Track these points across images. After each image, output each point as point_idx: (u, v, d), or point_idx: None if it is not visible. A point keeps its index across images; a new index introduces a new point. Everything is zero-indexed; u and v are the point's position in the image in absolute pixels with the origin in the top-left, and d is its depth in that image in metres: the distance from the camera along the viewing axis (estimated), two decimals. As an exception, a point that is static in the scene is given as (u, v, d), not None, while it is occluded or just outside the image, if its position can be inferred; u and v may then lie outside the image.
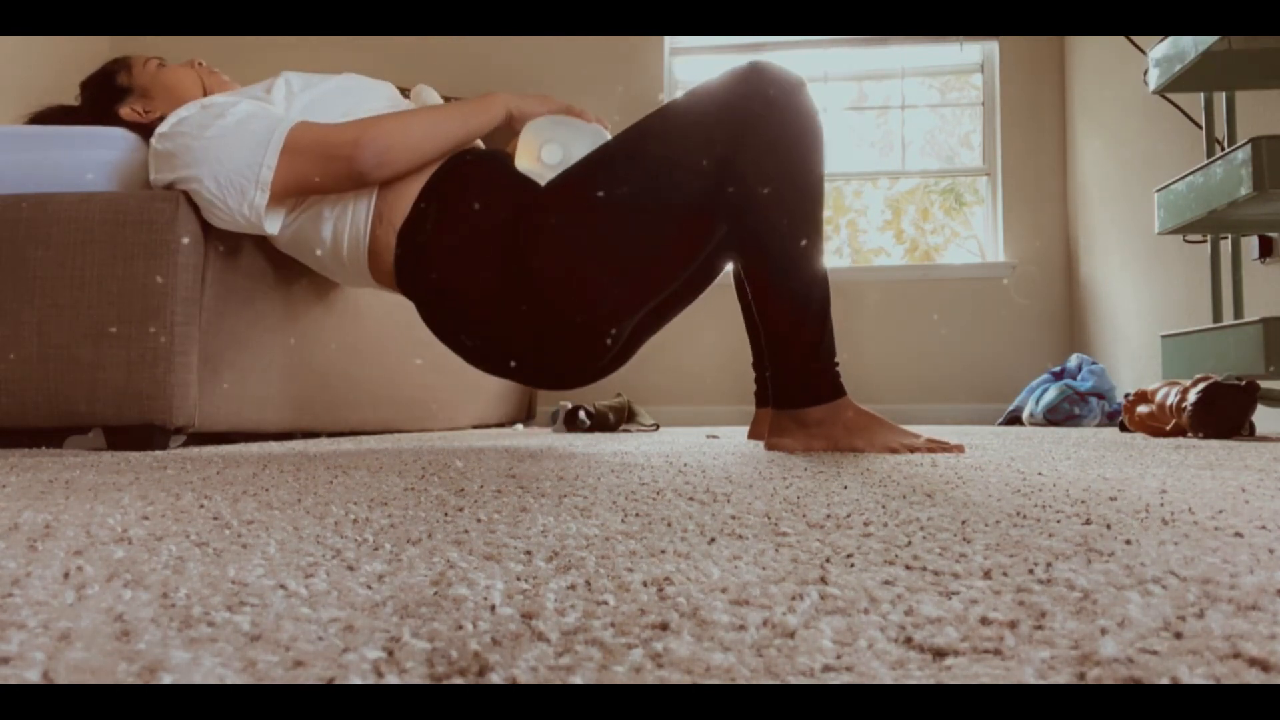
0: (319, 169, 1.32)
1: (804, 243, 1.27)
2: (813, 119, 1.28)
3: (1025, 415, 3.14)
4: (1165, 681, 0.23)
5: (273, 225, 1.39)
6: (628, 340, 1.43)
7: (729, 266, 1.48)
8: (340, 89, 1.47)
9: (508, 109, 1.43)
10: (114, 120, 1.52)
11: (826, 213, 4.24)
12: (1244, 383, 1.69)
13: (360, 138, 1.31)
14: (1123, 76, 3.23)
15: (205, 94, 1.53)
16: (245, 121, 1.32)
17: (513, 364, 1.42)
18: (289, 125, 1.32)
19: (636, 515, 0.55)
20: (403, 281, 1.39)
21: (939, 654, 0.26)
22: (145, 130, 1.51)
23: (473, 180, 1.37)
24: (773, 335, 1.29)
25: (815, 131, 1.28)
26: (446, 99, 1.63)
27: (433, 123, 1.37)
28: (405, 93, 1.64)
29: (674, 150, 1.28)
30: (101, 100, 1.54)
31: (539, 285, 1.30)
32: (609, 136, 1.43)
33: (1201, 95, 2.33)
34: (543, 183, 1.36)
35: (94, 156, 1.46)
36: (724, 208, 1.28)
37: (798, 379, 1.28)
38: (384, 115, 1.36)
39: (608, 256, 1.29)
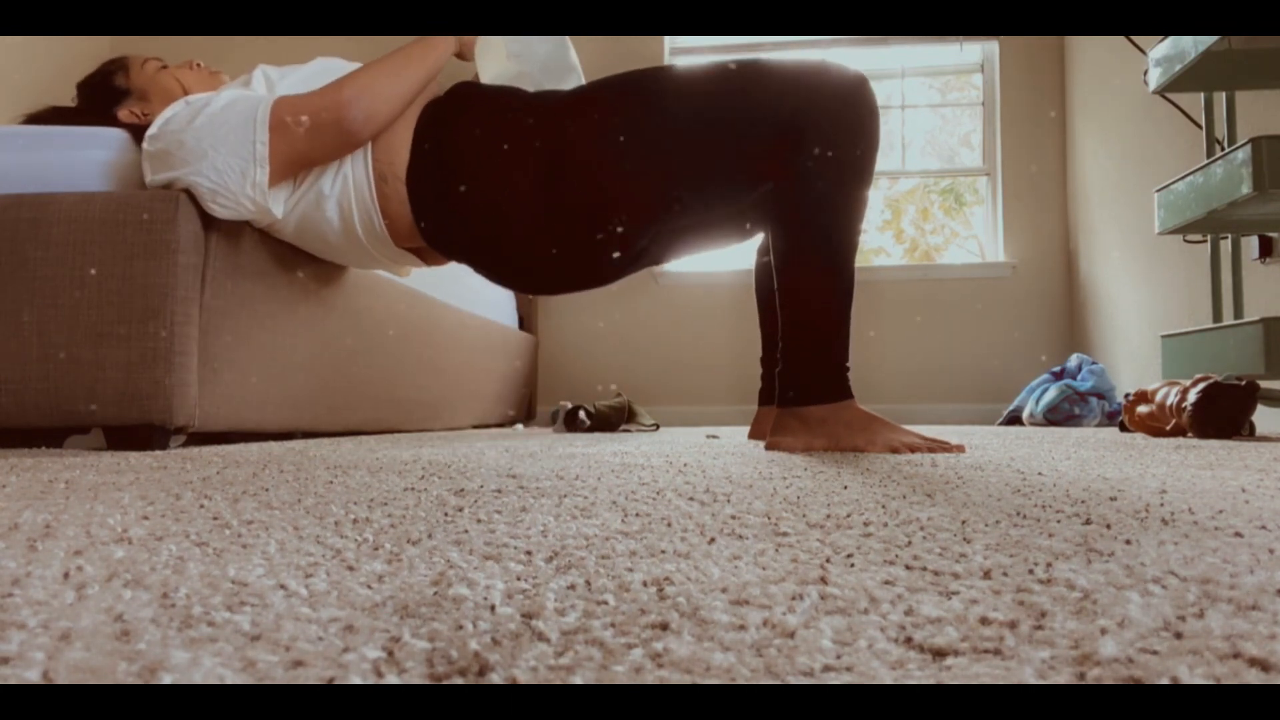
0: (309, 138, 1.34)
1: (845, 237, 1.29)
2: (878, 123, 1.32)
3: (1025, 415, 3.14)
4: (1165, 681, 0.23)
5: (277, 205, 1.39)
6: (647, 249, 1.45)
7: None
8: (317, 73, 1.49)
9: (454, 40, 1.47)
10: (111, 122, 1.52)
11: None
12: (1244, 383, 1.69)
13: (340, 96, 1.34)
14: (1123, 76, 3.23)
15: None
16: (230, 105, 1.34)
17: (536, 264, 1.43)
18: (270, 101, 1.34)
19: (636, 515, 0.55)
20: (426, 220, 1.41)
21: (939, 654, 0.26)
22: (143, 132, 1.51)
23: (467, 105, 1.41)
24: (792, 324, 1.30)
25: (878, 136, 1.32)
26: None
27: (397, 65, 1.40)
28: None
29: (749, 89, 1.31)
30: (99, 102, 1.54)
31: (569, 183, 1.32)
32: (567, 40, 1.47)
33: (1201, 95, 2.33)
34: (529, 86, 1.40)
35: (93, 156, 1.46)
36: (779, 163, 1.30)
37: (808, 373, 1.28)
38: (352, 73, 1.38)
39: (652, 155, 1.32)
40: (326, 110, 1.33)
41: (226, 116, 1.33)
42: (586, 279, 1.46)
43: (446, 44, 1.45)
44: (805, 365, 1.29)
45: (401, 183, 1.39)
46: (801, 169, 1.27)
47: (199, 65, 1.58)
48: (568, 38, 1.48)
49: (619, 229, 1.35)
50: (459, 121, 1.39)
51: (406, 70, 1.39)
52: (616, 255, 1.40)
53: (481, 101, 1.41)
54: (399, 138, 1.40)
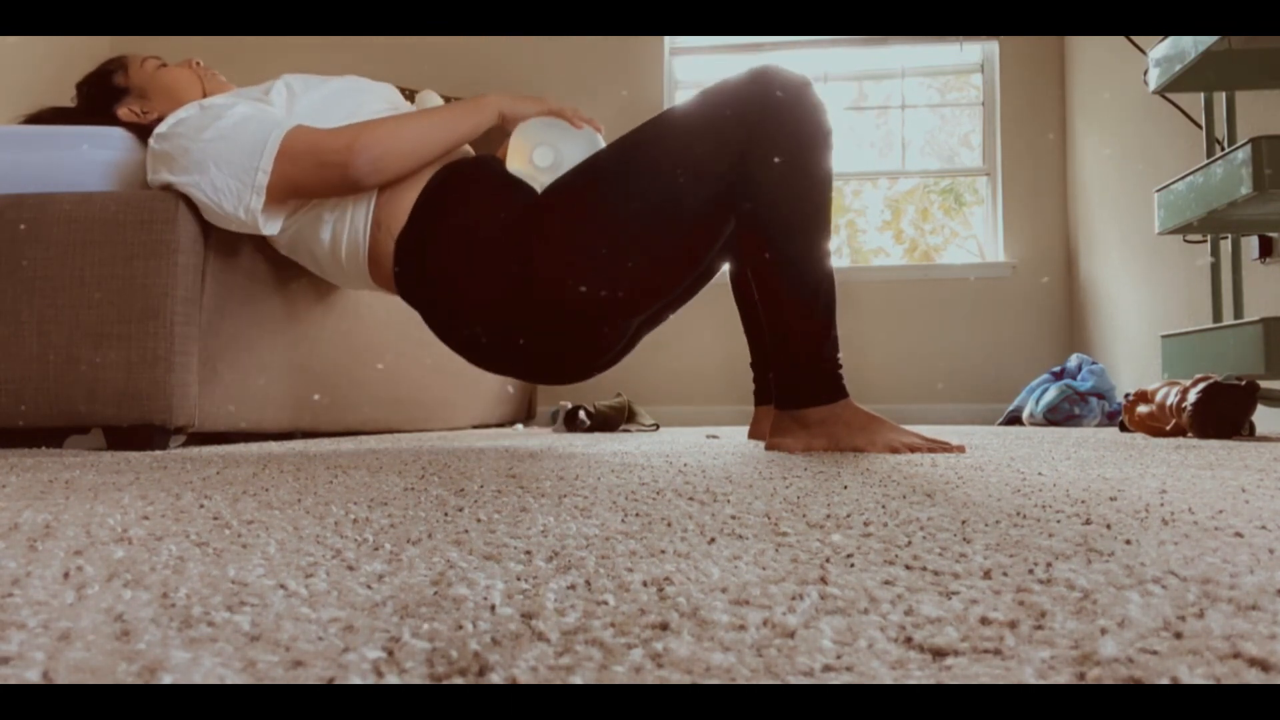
0: (313, 175, 1.32)
1: (812, 241, 1.27)
2: (821, 118, 1.29)
3: (1025, 415, 3.14)
4: (1165, 681, 0.23)
5: (270, 227, 1.39)
6: (630, 336, 1.44)
7: (726, 265, 1.49)
8: (341, 91, 1.47)
9: (500, 111, 1.43)
10: (111, 121, 1.52)
11: (826, 213, 4.25)
12: (1244, 383, 1.69)
13: (354, 144, 1.31)
14: (1123, 76, 3.23)
15: (204, 94, 1.53)
16: (241, 124, 1.33)
17: (516, 363, 1.42)
18: (285, 130, 1.32)
19: (636, 515, 0.55)
20: (403, 288, 1.40)
21: (939, 654, 0.26)
22: (143, 131, 1.51)
23: (469, 187, 1.38)
24: (777, 335, 1.29)
25: (824, 131, 1.29)
26: (448, 99, 1.63)
27: (425, 127, 1.37)
28: (410, 95, 1.64)
29: (683, 153, 1.29)
30: (98, 101, 1.53)
31: (544, 288, 1.30)
32: (601, 139, 1.43)
33: (1201, 95, 2.33)
34: (536, 186, 1.36)
35: (93, 156, 1.46)
36: (733, 208, 1.28)
37: (801, 378, 1.28)
38: (376, 120, 1.36)
39: (616, 259, 1.29)
40: (336, 153, 1.31)
41: (237, 135, 1.32)
42: (567, 376, 1.47)
43: (488, 112, 1.42)
44: (798, 370, 1.28)
45: (393, 240, 1.38)
46: (756, 204, 1.26)
47: (197, 63, 1.58)
48: (600, 136, 1.44)
49: (604, 326, 1.35)
50: (454, 202, 1.36)
51: (438, 129, 1.37)
52: (601, 355, 1.41)
53: (479, 194, 1.37)
54: (405, 197, 1.38)
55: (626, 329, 1.38)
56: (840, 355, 1.31)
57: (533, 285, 1.30)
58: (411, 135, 1.35)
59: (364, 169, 1.32)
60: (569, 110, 1.44)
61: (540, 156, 1.38)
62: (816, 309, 1.27)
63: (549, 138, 1.40)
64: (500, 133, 1.47)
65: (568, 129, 1.41)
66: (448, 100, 1.62)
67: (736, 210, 1.29)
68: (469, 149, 1.53)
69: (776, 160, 1.25)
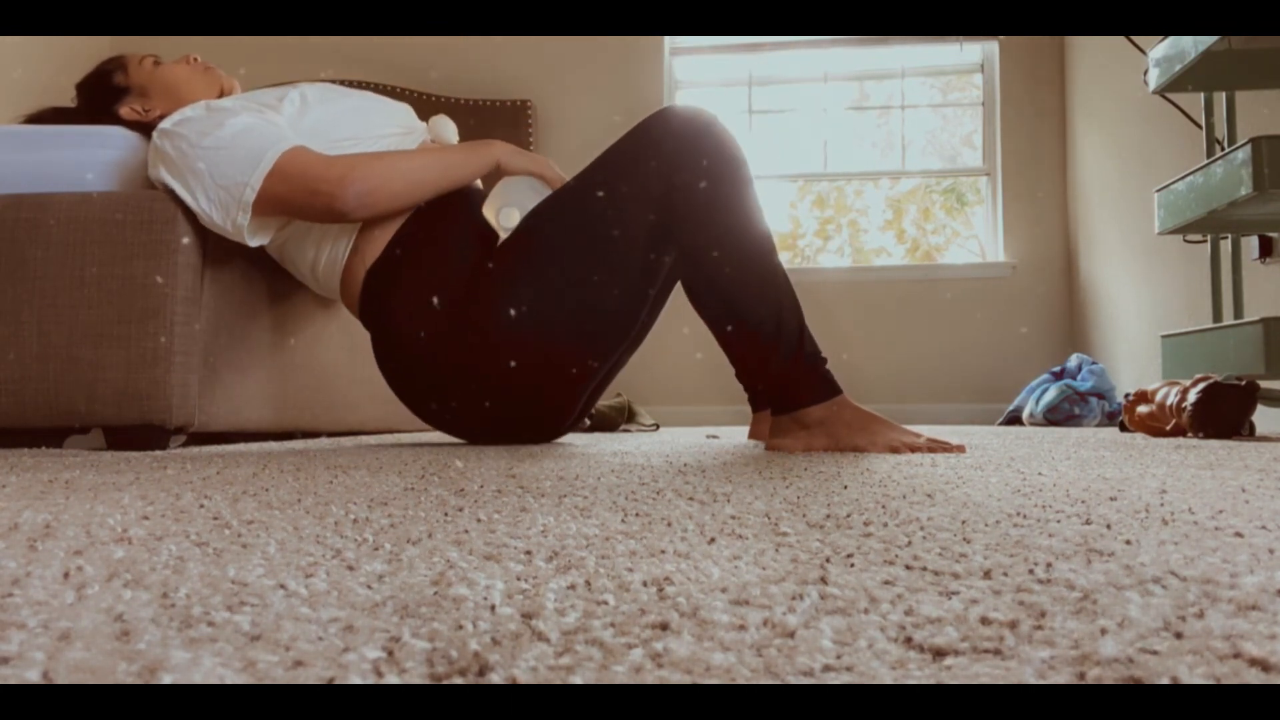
0: (302, 199, 1.33)
1: (751, 254, 1.29)
2: (728, 143, 1.31)
3: (1025, 415, 3.14)
4: (1165, 681, 0.23)
5: (256, 240, 1.40)
6: (602, 383, 1.48)
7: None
8: (353, 110, 1.47)
9: (499, 161, 1.46)
10: (113, 120, 1.52)
11: (828, 211, 4.24)
12: (1244, 383, 1.69)
13: (347, 176, 1.32)
14: (1123, 76, 3.23)
15: (205, 90, 1.53)
16: (242, 135, 1.33)
17: (451, 418, 1.45)
18: (283, 149, 1.32)
19: (636, 515, 0.55)
20: (363, 316, 1.43)
21: (939, 654, 0.26)
22: (146, 129, 1.51)
23: (439, 234, 1.40)
24: (750, 349, 1.30)
25: (735, 160, 1.31)
26: (460, 103, 1.64)
27: (420, 169, 1.39)
28: (420, 108, 1.65)
29: (609, 201, 1.31)
30: (99, 100, 1.53)
31: (484, 343, 1.33)
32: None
33: (1201, 95, 2.33)
34: (501, 236, 1.40)
35: (94, 156, 1.46)
36: (671, 245, 1.32)
37: (789, 381, 1.28)
38: (375, 155, 1.37)
39: (558, 314, 1.33)
40: (327, 183, 1.32)
41: (234, 146, 1.32)
42: (528, 436, 1.50)
43: (486, 162, 1.44)
44: (783, 375, 1.28)
45: (365, 269, 1.40)
46: (685, 223, 1.29)
47: (195, 59, 1.58)
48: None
49: (561, 391, 1.38)
50: (420, 252, 1.38)
51: (432, 173, 1.39)
52: (564, 420, 1.45)
53: (445, 244, 1.39)
54: (387, 229, 1.40)
55: (581, 392, 1.41)
56: (825, 354, 1.31)
57: (473, 334, 1.33)
58: (406, 176, 1.37)
59: (352, 203, 1.33)
60: (558, 181, 1.46)
61: (505, 217, 1.42)
62: (782, 318, 1.27)
63: (523, 200, 1.43)
64: (499, 175, 1.49)
65: (545, 194, 1.44)
66: (453, 106, 1.63)
67: (674, 247, 1.32)
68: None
69: (698, 186, 1.28)
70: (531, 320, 1.32)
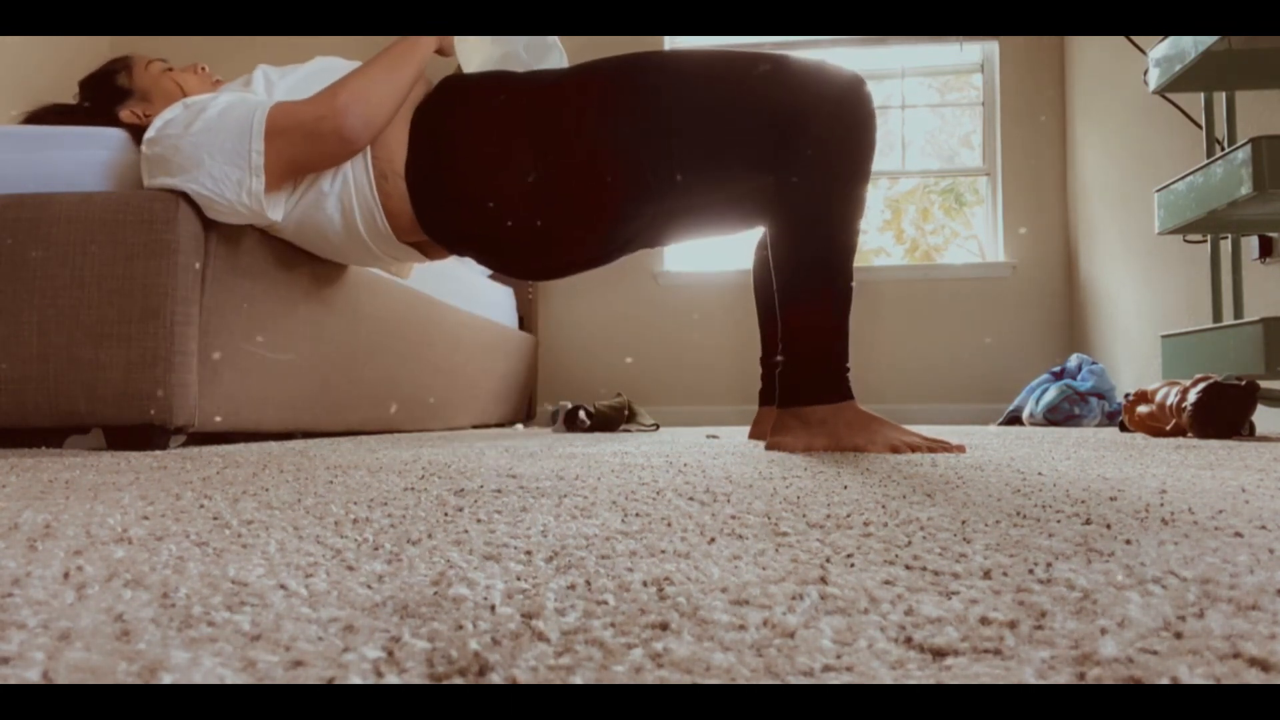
0: (307, 148, 1.34)
1: (843, 228, 1.30)
2: (874, 118, 1.33)
3: (1025, 415, 3.14)
4: (1165, 681, 0.23)
5: (274, 211, 1.39)
6: (644, 230, 1.46)
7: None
8: (316, 72, 1.49)
9: (433, 40, 1.47)
10: (113, 121, 1.52)
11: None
12: (1244, 383, 1.69)
13: (337, 105, 1.34)
14: (1123, 76, 3.23)
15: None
16: (226, 111, 1.34)
17: (529, 245, 1.44)
18: (266, 109, 1.34)
19: (636, 515, 0.55)
20: (428, 220, 1.43)
21: (939, 654, 0.26)
22: (142, 133, 1.51)
23: (461, 95, 1.42)
24: (790, 328, 1.30)
25: (874, 130, 1.33)
26: None
27: (387, 70, 1.40)
28: None
29: (748, 80, 1.32)
30: (100, 100, 1.53)
31: (569, 152, 1.34)
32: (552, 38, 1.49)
33: (1201, 95, 2.33)
34: (517, 66, 1.42)
35: (93, 156, 1.46)
36: (777, 157, 1.31)
37: (808, 375, 1.29)
38: (341, 81, 1.38)
39: (650, 135, 1.33)
40: (324, 119, 1.33)
41: (223, 123, 1.32)
42: (584, 259, 1.48)
43: (428, 42, 1.45)
44: (806, 366, 1.29)
45: (401, 179, 1.40)
46: (799, 165, 1.29)
47: (203, 69, 1.58)
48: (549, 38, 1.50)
49: (615, 206, 1.37)
50: (454, 113, 1.40)
51: (396, 72, 1.40)
52: (612, 233, 1.42)
53: (475, 90, 1.42)
54: (395, 136, 1.41)
55: (636, 216, 1.40)
56: (849, 361, 1.32)
57: (560, 152, 1.34)
58: (381, 81, 1.38)
59: (357, 127, 1.35)
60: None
61: (492, 41, 1.43)
62: (833, 308, 1.28)
63: (484, 44, 1.46)
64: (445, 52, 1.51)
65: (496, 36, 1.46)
66: None
67: (777, 174, 1.31)
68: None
69: (827, 146, 1.28)
70: (625, 136, 1.33)
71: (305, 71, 1.49)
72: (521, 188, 1.36)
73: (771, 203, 1.34)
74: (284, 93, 1.43)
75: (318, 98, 1.35)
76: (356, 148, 1.36)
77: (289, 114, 1.33)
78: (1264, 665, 0.24)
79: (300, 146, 1.33)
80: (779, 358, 1.34)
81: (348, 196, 1.41)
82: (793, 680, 0.24)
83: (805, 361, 1.29)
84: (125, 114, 1.52)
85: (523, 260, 1.47)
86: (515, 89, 1.39)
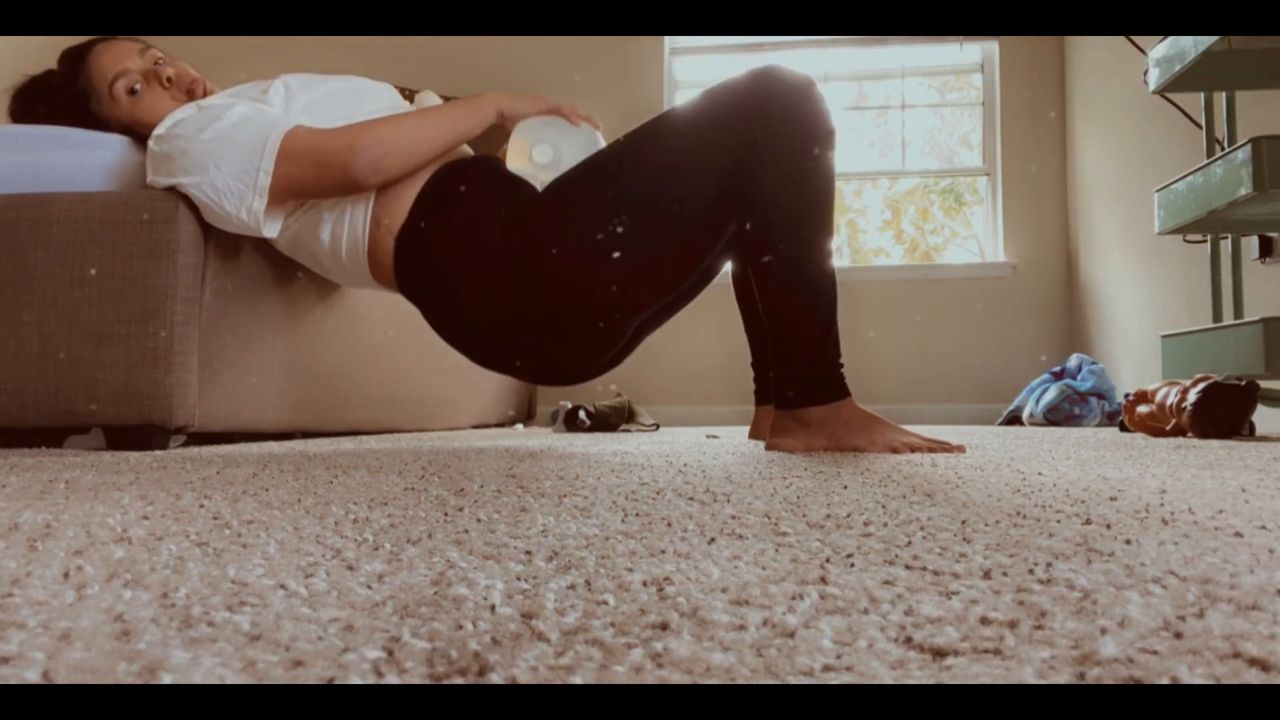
0: (314, 175, 1.32)
1: (814, 242, 1.27)
2: (824, 117, 1.30)
3: (1025, 415, 3.14)
4: (1165, 681, 0.23)
5: (270, 229, 1.38)
6: (631, 336, 1.44)
7: (728, 265, 1.49)
8: (340, 91, 1.47)
9: (499, 109, 1.43)
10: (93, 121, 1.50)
11: (826, 213, 4.25)
12: (1244, 383, 1.69)
13: (354, 143, 1.31)
14: (1123, 76, 3.23)
15: (205, 94, 1.53)
16: (240, 125, 1.32)
17: (517, 362, 1.42)
18: (285, 130, 1.32)
19: (636, 515, 0.55)
20: (404, 284, 1.40)
21: (939, 654, 0.26)
22: (137, 126, 1.51)
23: (469, 183, 1.37)
24: (778, 335, 1.29)
25: (827, 130, 1.30)
26: (447, 99, 1.63)
27: (425, 126, 1.37)
28: (409, 95, 1.63)
29: (686, 153, 1.30)
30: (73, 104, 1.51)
31: (546, 286, 1.30)
32: (601, 137, 1.43)
33: (1201, 95, 2.33)
34: (536, 184, 1.36)
35: (94, 157, 1.46)
36: (736, 208, 1.29)
37: (802, 378, 1.28)
38: (376, 120, 1.35)
39: (617, 256, 1.29)
40: (337, 154, 1.31)
41: (236, 136, 1.31)
42: (566, 377, 1.46)
43: (487, 111, 1.42)
44: (800, 369, 1.28)
45: (393, 236, 1.37)
46: (759, 205, 1.27)
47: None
48: (599, 134, 1.44)
49: (606, 323, 1.35)
50: (454, 204, 1.36)
51: (437, 128, 1.37)
52: (603, 354, 1.41)
53: (479, 191, 1.37)
54: (404, 194, 1.38)
55: (625, 329, 1.38)
56: (841, 356, 1.31)
57: (532, 280, 1.30)
58: (411, 134, 1.35)
59: (364, 169, 1.31)
60: (567, 108, 1.44)
61: (540, 154, 1.38)
62: (818, 309, 1.27)
63: (548, 135, 1.40)
64: (500, 132, 1.47)
65: (567, 127, 1.41)
66: (446, 100, 1.62)
67: (738, 210, 1.29)
68: (468, 149, 1.53)
69: (779, 160, 1.26)
70: (594, 246, 1.29)
71: (328, 89, 1.46)
72: (500, 308, 1.33)
73: (742, 238, 1.31)
74: (302, 108, 1.41)
75: (341, 131, 1.33)
76: (362, 188, 1.34)
77: (306, 140, 1.31)
78: (1264, 665, 0.24)
79: (308, 172, 1.32)
80: (771, 371, 1.33)
81: (340, 228, 1.40)
82: (793, 680, 0.24)
83: (799, 365, 1.28)
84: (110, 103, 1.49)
85: (485, 357, 1.44)
86: (509, 198, 1.35)
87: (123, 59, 1.46)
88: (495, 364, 1.44)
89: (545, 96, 1.46)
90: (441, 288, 1.36)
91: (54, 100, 1.49)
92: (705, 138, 1.29)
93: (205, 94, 1.52)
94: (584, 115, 1.45)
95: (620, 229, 1.29)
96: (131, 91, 1.46)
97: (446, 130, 1.38)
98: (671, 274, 1.34)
